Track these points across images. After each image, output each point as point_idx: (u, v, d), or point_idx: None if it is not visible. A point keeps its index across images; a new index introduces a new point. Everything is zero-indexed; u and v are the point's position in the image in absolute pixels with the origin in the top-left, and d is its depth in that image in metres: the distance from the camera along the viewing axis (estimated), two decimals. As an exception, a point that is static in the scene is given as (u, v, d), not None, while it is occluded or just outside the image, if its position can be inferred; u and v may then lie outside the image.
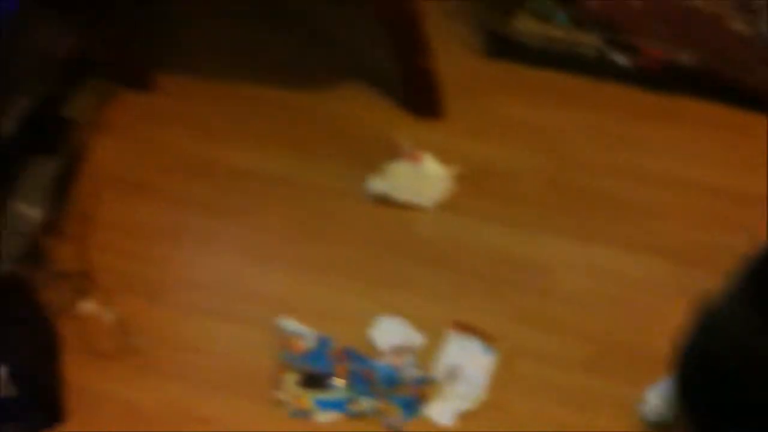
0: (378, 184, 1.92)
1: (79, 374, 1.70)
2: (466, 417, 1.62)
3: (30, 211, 1.83)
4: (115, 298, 1.80)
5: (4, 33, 1.66)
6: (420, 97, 2.06)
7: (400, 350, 1.69)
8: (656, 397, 1.54)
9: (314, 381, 1.66)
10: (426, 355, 1.69)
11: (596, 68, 2.11)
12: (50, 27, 1.91)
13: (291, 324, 1.73)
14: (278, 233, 1.91)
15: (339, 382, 1.66)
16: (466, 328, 1.71)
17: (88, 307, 1.79)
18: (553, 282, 1.80)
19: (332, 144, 2.05)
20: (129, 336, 1.75)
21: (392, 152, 1.97)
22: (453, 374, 1.66)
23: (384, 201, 1.92)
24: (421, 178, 1.93)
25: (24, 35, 1.80)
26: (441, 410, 1.62)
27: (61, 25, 1.94)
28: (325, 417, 1.62)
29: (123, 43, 2.12)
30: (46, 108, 1.91)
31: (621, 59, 2.10)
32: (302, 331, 1.72)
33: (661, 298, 1.75)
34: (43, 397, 1.65)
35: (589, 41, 2.11)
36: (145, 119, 2.11)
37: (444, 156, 1.97)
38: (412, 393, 1.64)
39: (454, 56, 2.15)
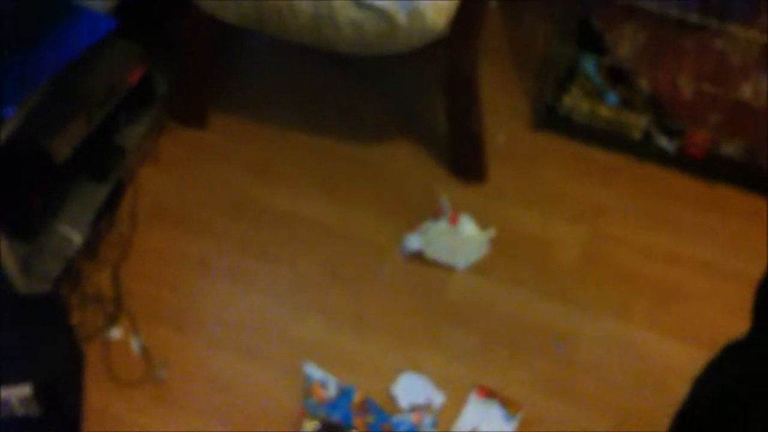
0: (414, 241, 1.95)
1: (101, 400, 1.73)
2: (479, 482, 1.62)
3: (72, 235, 1.87)
4: (144, 327, 1.83)
5: (80, 58, 1.71)
6: (465, 159, 2.10)
7: (420, 408, 1.70)
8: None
9: (332, 431, 1.67)
10: (446, 415, 1.70)
11: (640, 149, 2.14)
12: (120, 56, 1.96)
13: (315, 371, 1.75)
14: (311, 279, 1.93)
15: (356, 434, 1.67)
16: (489, 393, 1.71)
17: (116, 333, 1.83)
18: (578, 353, 1.81)
19: (374, 196, 2.08)
20: (154, 366, 1.77)
21: (431, 210, 2.01)
22: (471, 438, 1.67)
23: (418, 258, 1.94)
24: (457, 239, 1.96)
25: (95, 62, 1.85)
26: (455, 473, 1.62)
27: (130, 56, 2.00)
28: (338, 468, 1.63)
29: (184, 81, 2.18)
30: (101, 134, 1.96)
31: (666, 143, 2.13)
32: (325, 379, 1.73)
33: (683, 382, 1.74)
34: (63, 418, 1.67)
35: (635, 122, 2.14)
36: (194, 155, 2.16)
37: (481, 219, 2.00)
38: (428, 452, 1.65)
39: (502, 124, 2.20)
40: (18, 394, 1.54)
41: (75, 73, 1.83)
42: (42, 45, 1.72)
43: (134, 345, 1.80)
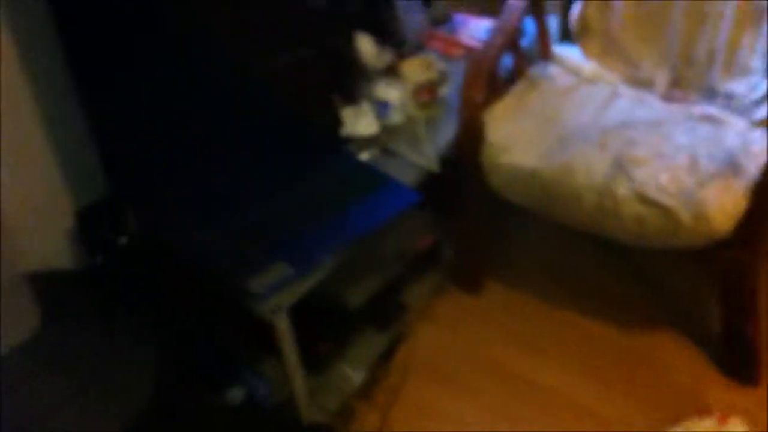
0: (677, 437, 1.94)
1: None
2: None
3: (353, 375, 2.08)
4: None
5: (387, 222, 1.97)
6: (737, 361, 2.08)
7: None
8: None
9: None
10: None
11: None
12: (414, 224, 2.21)
13: None
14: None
15: None
16: None
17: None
18: None
19: (635, 383, 2.11)
20: None
21: (696, 407, 1.99)
22: None
23: (682, 456, 1.92)
24: (726, 441, 1.92)
25: (392, 227, 2.10)
26: None
27: (423, 225, 2.24)
28: None
29: (463, 249, 2.38)
30: (389, 290, 2.19)
31: None
32: None
33: None
34: None
35: None
36: (465, 318, 2.32)
37: (752, 424, 1.94)
38: None
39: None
40: None
41: (375, 235, 2.09)
42: (356, 208, 2.00)
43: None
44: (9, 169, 1.82)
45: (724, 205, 1.82)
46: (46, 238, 1.94)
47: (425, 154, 2.15)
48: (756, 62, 2.13)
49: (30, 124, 1.87)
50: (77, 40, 1.79)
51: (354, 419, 2.06)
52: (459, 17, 2.67)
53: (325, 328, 2.09)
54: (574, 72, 2.34)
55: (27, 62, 1.82)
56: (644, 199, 1.87)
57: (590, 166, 1.96)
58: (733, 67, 2.17)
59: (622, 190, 1.90)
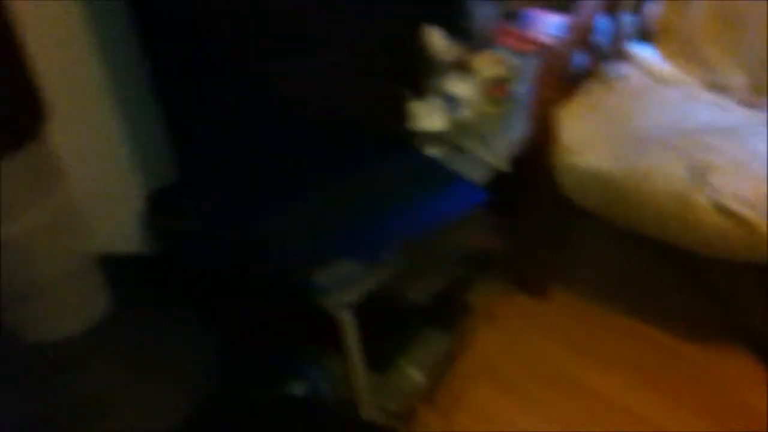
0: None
1: None
2: None
3: (415, 375, 2.04)
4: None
5: (452, 220, 1.94)
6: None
7: None
8: None
9: None
10: None
11: None
12: (478, 222, 2.17)
13: None
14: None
15: None
16: None
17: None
18: None
19: (699, 398, 2.05)
20: None
21: (760, 426, 1.94)
22: None
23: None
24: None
25: (457, 224, 2.07)
26: None
27: (487, 222, 2.21)
28: None
29: (529, 252, 2.34)
30: (451, 289, 2.15)
31: None
32: None
33: None
34: None
35: None
36: (528, 322, 2.28)
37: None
38: None
39: None
40: None
41: (439, 232, 2.05)
42: (423, 205, 1.96)
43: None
44: (81, 152, 1.81)
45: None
46: (116, 221, 1.93)
47: (494, 152, 2.11)
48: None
49: (102, 109, 1.86)
50: (152, 27, 1.77)
51: (415, 421, 2.03)
52: (531, 12, 2.62)
53: (387, 325, 2.06)
54: (650, 73, 2.28)
55: (101, 47, 1.81)
56: (724, 210, 1.81)
57: (667, 172, 1.91)
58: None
59: (702, 199, 1.84)
